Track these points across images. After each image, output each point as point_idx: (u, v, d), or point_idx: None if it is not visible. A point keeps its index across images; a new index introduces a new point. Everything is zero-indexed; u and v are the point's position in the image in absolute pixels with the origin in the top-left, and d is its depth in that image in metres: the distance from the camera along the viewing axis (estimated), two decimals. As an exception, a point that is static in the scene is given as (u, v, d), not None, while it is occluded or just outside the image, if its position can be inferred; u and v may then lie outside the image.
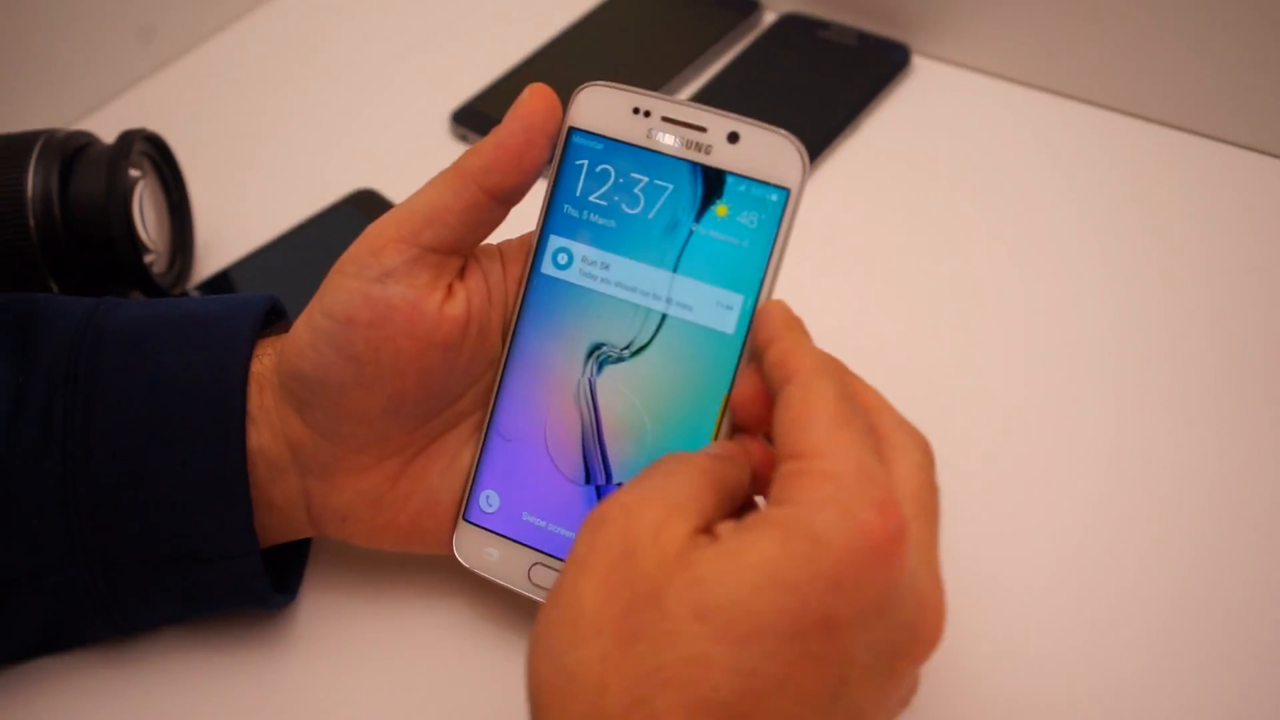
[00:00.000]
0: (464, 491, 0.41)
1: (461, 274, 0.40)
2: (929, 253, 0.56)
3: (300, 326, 0.39)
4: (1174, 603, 0.42)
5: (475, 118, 0.65)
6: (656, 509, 0.31)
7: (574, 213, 0.40)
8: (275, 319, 0.44)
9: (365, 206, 0.60)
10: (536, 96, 0.38)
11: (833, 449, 0.31)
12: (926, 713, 0.39)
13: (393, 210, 0.39)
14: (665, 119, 0.39)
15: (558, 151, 0.40)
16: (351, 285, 0.38)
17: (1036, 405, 0.49)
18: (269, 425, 0.40)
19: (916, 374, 0.51)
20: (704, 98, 0.64)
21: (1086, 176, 0.59)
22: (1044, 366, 0.50)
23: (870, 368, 0.51)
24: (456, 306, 0.39)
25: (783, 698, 0.28)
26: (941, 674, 0.41)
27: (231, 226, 0.60)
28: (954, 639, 0.42)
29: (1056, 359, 0.51)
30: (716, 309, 0.38)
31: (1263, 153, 0.58)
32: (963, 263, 0.55)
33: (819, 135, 0.61)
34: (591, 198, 0.39)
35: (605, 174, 0.39)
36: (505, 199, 0.38)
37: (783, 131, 0.37)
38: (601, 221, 0.39)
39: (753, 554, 0.30)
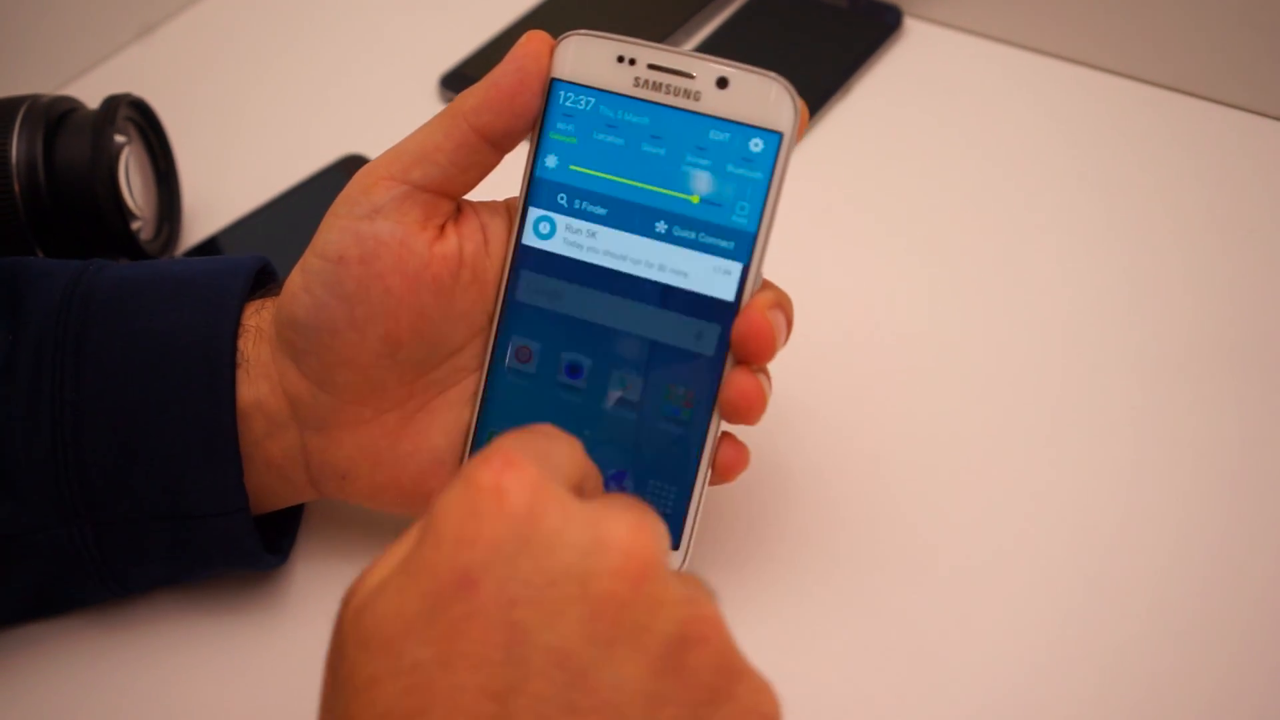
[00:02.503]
0: (464, 450, 0.41)
1: (457, 220, 0.39)
2: (921, 216, 0.56)
3: (294, 273, 0.39)
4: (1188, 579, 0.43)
5: (464, 82, 0.64)
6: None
7: (559, 166, 0.39)
8: (266, 280, 0.44)
9: (353, 172, 0.59)
10: (533, 40, 0.38)
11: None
12: (926, 713, 0.40)
13: (386, 151, 0.39)
14: (651, 66, 0.38)
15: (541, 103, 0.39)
16: (342, 224, 0.38)
17: (1031, 369, 0.49)
18: (266, 378, 0.40)
19: (910, 339, 0.51)
20: (695, 61, 0.63)
21: (1080, 139, 0.58)
22: (1039, 330, 0.50)
23: (862, 333, 0.51)
24: (447, 246, 0.38)
25: (453, 674, 0.27)
26: (939, 666, 0.41)
27: (219, 192, 0.60)
28: (946, 620, 0.42)
29: (1052, 322, 0.51)
30: (712, 271, 0.38)
31: (1260, 114, 0.58)
32: (956, 227, 0.55)
33: (810, 98, 0.60)
34: (577, 148, 0.39)
35: (591, 125, 0.38)
36: (496, 141, 0.38)
37: (772, 74, 0.37)
38: (588, 173, 0.39)
39: (399, 562, 0.29)
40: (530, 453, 0.29)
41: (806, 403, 0.47)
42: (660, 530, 0.30)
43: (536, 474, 0.28)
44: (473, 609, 0.27)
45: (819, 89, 0.61)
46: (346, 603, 0.29)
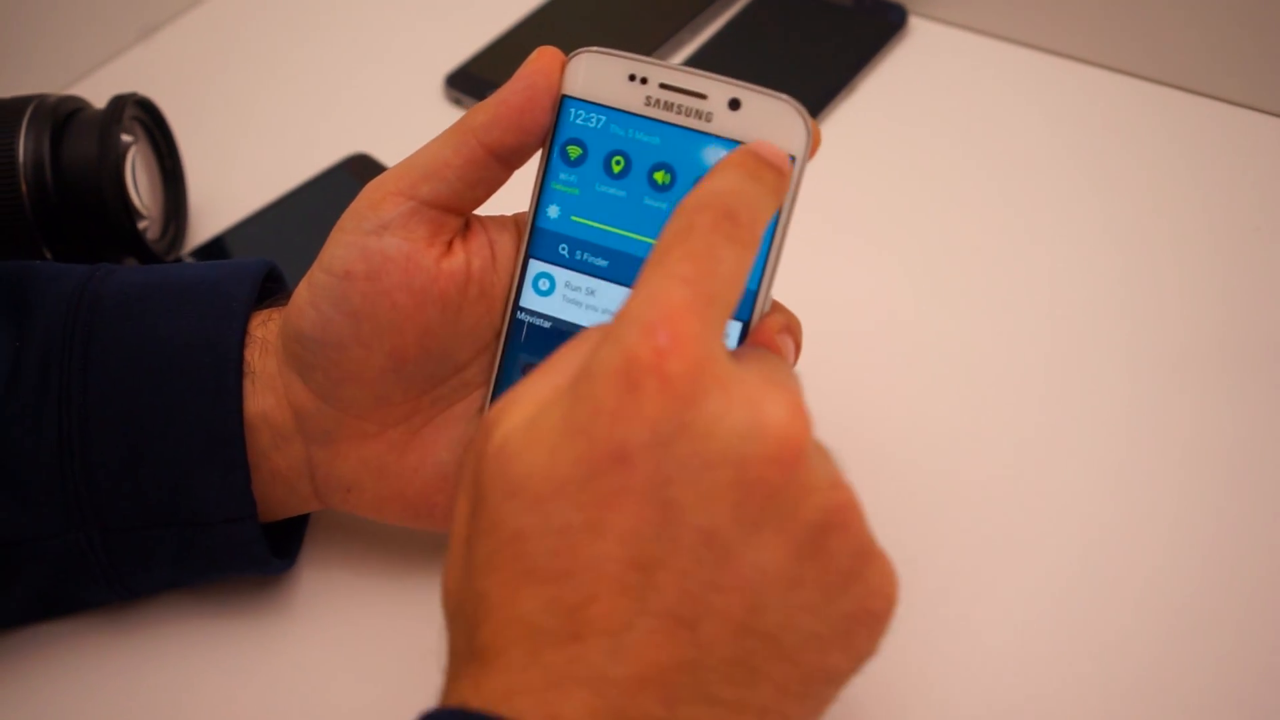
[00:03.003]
0: None
1: (465, 236, 0.39)
2: (926, 216, 0.56)
3: (301, 287, 0.39)
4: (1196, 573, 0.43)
5: (470, 81, 0.64)
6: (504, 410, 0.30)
7: (569, 182, 0.39)
8: (273, 284, 0.44)
9: (359, 171, 0.60)
10: (543, 57, 0.38)
11: (634, 291, 0.30)
12: (929, 707, 0.40)
13: (394, 166, 0.39)
14: (663, 85, 0.37)
15: (551, 120, 0.39)
16: (349, 239, 0.38)
17: (1034, 367, 0.49)
18: (272, 390, 0.40)
19: (913, 337, 0.51)
20: (700, 59, 0.63)
21: (1085, 137, 0.58)
22: (1044, 328, 0.50)
23: (864, 332, 0.51)
24: (455, 263, 0.38)
25: (602, 542, 0.27)
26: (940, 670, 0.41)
27: (225, 192, 0.60)
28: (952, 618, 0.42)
29: (1056, 321, 0.51)
30: None
31: (1264, 112, 0.58)
32: (961, 225, 0.55)
33: (815, 98, 0.60)
34: (586, 167, 0.39)
35: (601, 143, 0.38)
36: (505, 158, 0.38)
37: (785, 96, 0.36)
38: (597, 192, 0.39)
39: (548, 414, 0.29)
40: (698, 306, 0.28)
41: (815, 407, 0.47)
42: (807, 409, 0.30)
43: (699, 351, 0.28)
44: (627, 484, 0.28)
45: (824, 88, 0.61)
46: (487, 434, 0.30)
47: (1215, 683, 0.39)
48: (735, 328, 0.37)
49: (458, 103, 0.64)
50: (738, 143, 0.37)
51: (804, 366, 0.44)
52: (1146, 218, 0.54)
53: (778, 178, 0.33)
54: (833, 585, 0.29)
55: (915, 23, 0.65)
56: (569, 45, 0.39)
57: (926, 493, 0.45)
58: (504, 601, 0.28)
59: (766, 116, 0.36)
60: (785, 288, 0.39)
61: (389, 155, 0.59)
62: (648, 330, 0.28)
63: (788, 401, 0.29)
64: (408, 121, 0.63)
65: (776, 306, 0.38)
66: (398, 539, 0.44)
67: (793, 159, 0.36)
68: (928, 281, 0.53)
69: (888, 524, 0.44)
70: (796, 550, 0.29)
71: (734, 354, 0.30)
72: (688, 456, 0.28)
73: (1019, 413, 0.48)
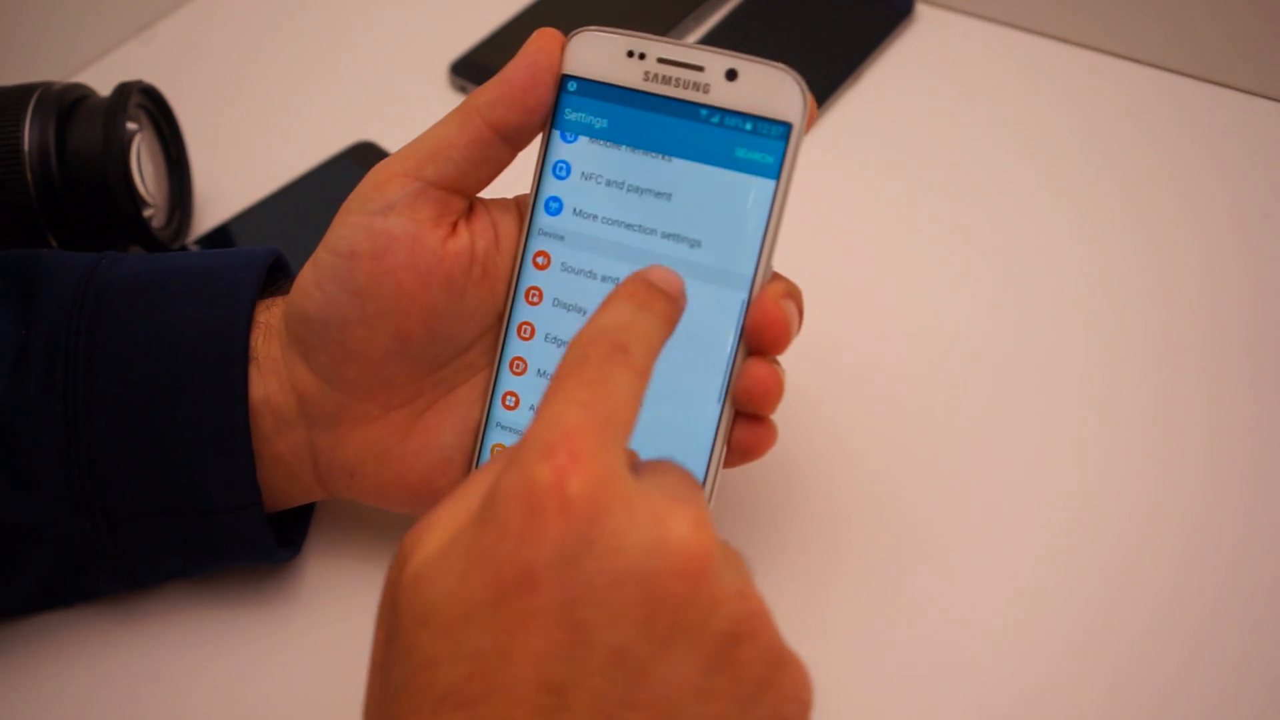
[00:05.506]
0: (474, 450, 0.41)
1: (469, 218, 0.39)
2: (933, 203, 0.55)
3: (306, 269, 0.39)
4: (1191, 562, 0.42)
5: (474, 69, 0.64)
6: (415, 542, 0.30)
7: (571, 159, 0.39)
8: (279, 273, 0.44)
9: (364, 159, 0.60)
10: (543, 37, 0.38)
11: (534, 418, 0.30)
12: (938, 703, 0.40)
13: (400, 149, 0.39)
14: (661, 60, 0.38)
15: (553, 99, 0.39)
16: (355, 220, 0.38)
17: (1044, 358, 0.49)
18: (275, 375, 0.40)
19: (921, 328, 0.50)
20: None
21: (1093, 124, 0.58)
22: (1052, 316, 0.50)
23: (872, 323, 0.51)
24: (459, 243, 0.38)
25: (515, 666, 0.27)
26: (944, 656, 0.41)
27: (230, 180, 0.60)
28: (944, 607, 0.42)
29: (1065, 309, 0.50)
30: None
31: (1273, 99, 0.58)
32: (968, 213, 0.55)
33: (821, 85, 0.60)
34: (589, 142, 0.39)
35: (602, 119, 0.39)
36: (510, 136, 0.38)
37: (781, 65, 0.37)
38: (601, 166, 0.39)
39: (458, 541, 0.29)
40: (594, 426, 0.29)
41: (816, 392, 0.47)
42: (711, 519, 0.30)
43: (598, 469, 0.28)
44: (535, 607, 0.28)
45: (830, 76, 0.61)
46: (403, 562, 0.30)
47: (1234, 677, 0.39)
48: (738, 300, 0.37)
49: (462, 90, 0.64)
50: (736, 113, 0.37)
51: (809, 354, 0.44)
52: (1155, 205, 0.54)
53: (668, 304, 0.33)
54: (746, 695, 0.29)
55: (922, 10, 0.65)
56: (573, 30, 0.39)
57: (938, 485, 0.45)
58: None
59: (763, 86, 0.37)
60: (791, 272, 0.39)
61: (394, 143, 0.59)
62: (547, 451, 0.28)
63: (691, 515, 0.29)
64: (412, 109, 0.62)
65: (776, 276, 0.38)
66: (402, 527, 0.44)
67: (790, 126, 0.37)
68: (935, 269, 0.53)
69: (904, 516, 0.44)
70: (708, 662, 0.29)
71: (637, 470, 0.30)
72: (593, 575, 0.28)
73: (1026, 402, 0.47)
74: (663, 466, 0.32)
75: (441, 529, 0.30)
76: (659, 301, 0.32)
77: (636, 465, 0.31)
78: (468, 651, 0.28)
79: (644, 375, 0.31)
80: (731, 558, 0.30)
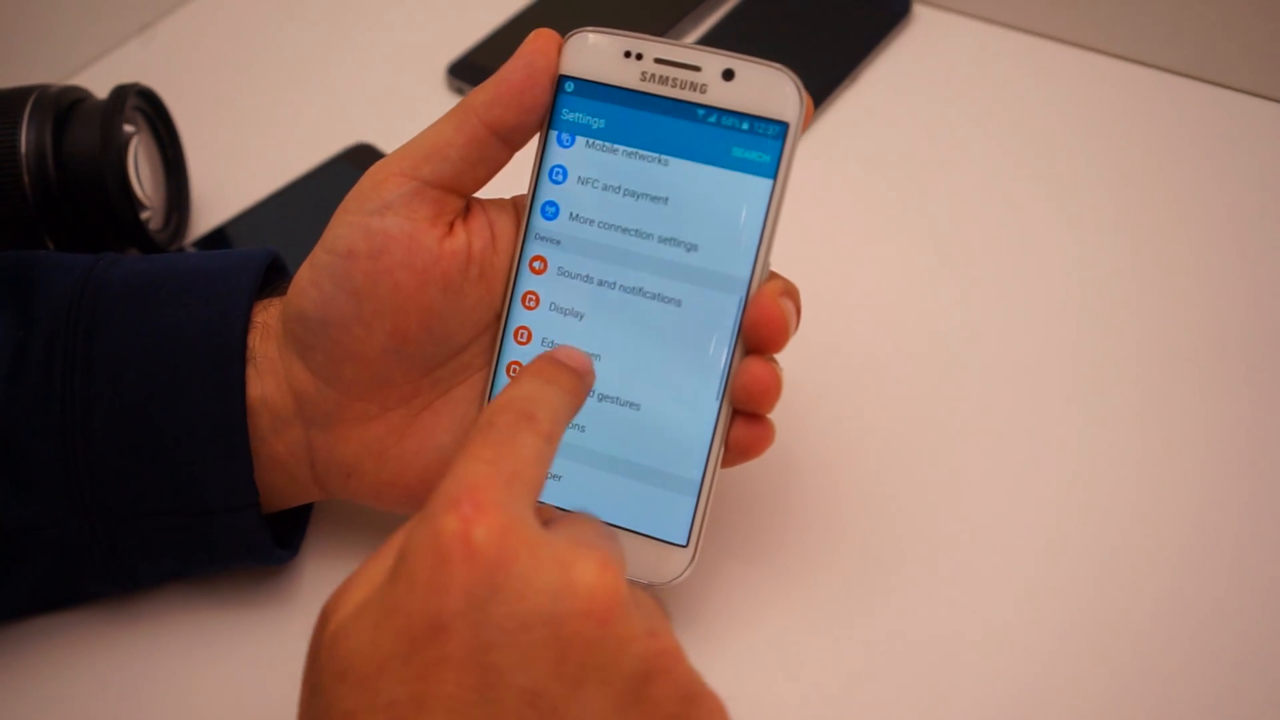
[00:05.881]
0: None
1: (466, 218, 0.39)
2: (930, 204, 0.55)
3: (303, 269, 0.39)
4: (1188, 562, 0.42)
5: (472, 71, 0.64)
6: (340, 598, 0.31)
7: (568, 162, 0.39)
8: (276, 274, 0.44)
9: (361, 161, 0.60)
10: (540, 38, 0.38)
11: (443, 478, 0.30)
12: (935, 702, 0.40)
13: (397, 148, 0.39)
14: (658, 60, 0.38)
15: (550, 99, 0.39)
16: (352, 219, 0.38)
17: (1041, 358, 0.49)
18: (273, 374, 0.40)
19: (918, 329, 0.51)
20: (703, 48, 0.63)
21: (1091, 126, 0.58)
22: (1050, 316, 0.50)
23: (869, 324, 0.51)
24: (456, 243, 0.39)
25: (429, 714, 0.28)
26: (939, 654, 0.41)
27: (227, 182, 0.60)
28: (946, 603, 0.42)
29: (1062, 309, 0.50)
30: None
31: (1271, 99, 0.58)
32: (965, 214, 0.55)
33: (818, 86, 0.60)
34: (586, 144, 0.39)
35: (600, 119, 0.39)
36: (507, 136, 0.38)
37: (777, 65, 0.37)
38: (597, 170, 0.39)
39: (373, 597, 0.29)
40: (499, 481, 0.29)
41: (813, 391, 0.47)
42: (622, 563, 0.30)
43: (503, 518, 0.29)
44: (446, 654, 0.28)
45: (826, 77, 0.61)
46: (324, 623, 0.30)
47: (1232, 677, 0.39)
48: (735, 298, 0.38)
49: (460, 92, 0.64)
50: (732, 112, 0.37)
51: (807, 354, 0.44)
52: (1153, 205, 0.54)
53: (573, 379, 0.33)
54: None
55: (919, 10, 0.65)
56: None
57: (936, 484, 0.45)
58: None
59: (760, 86, 0.37)
60: (789, 273, 0.39)
61: (391, 145, 0.59)
62: (453, 503, 0.29)
63: (597, 558, 0.29)
64: (410, 111, 0.62)
65: (774, 274, 0.39)
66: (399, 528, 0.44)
67: (787, 126, 0.37)
68: (932, 268, 0.53)
69: (902, 516, 0.44)
70: (620, 701, 0.29)
71: (545, 523, 0.31)
72: (503, 619, 0.28)
73: (1023, 401, 0.47)
74: (574, 517, 0.32)
75: (359, 588, 0.30)
76: (565, 376, 0.33)
77: (554, 520, 0.32)
78: (383, 703, 0.28)
79: (551, 441, 0.31)
80: (642, 599, 0.31)
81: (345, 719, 0.28)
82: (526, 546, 0.29)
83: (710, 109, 0.38)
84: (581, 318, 0.39)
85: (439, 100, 0.64)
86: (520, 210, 0.40)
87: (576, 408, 0.34)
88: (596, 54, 0.38)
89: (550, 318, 0.40)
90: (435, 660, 0.28)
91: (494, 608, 0.28)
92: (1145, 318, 0.50)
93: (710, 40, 0.64)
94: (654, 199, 0.38)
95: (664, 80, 0.38)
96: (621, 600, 0.29)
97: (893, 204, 0.56)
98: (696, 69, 0.38)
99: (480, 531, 0.28)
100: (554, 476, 0.40)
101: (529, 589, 0.28)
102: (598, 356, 0.39)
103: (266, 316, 0.40)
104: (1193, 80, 0.59)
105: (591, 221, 0.39)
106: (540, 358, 0.34)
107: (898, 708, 0.39)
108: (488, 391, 0.40)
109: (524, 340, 0.40)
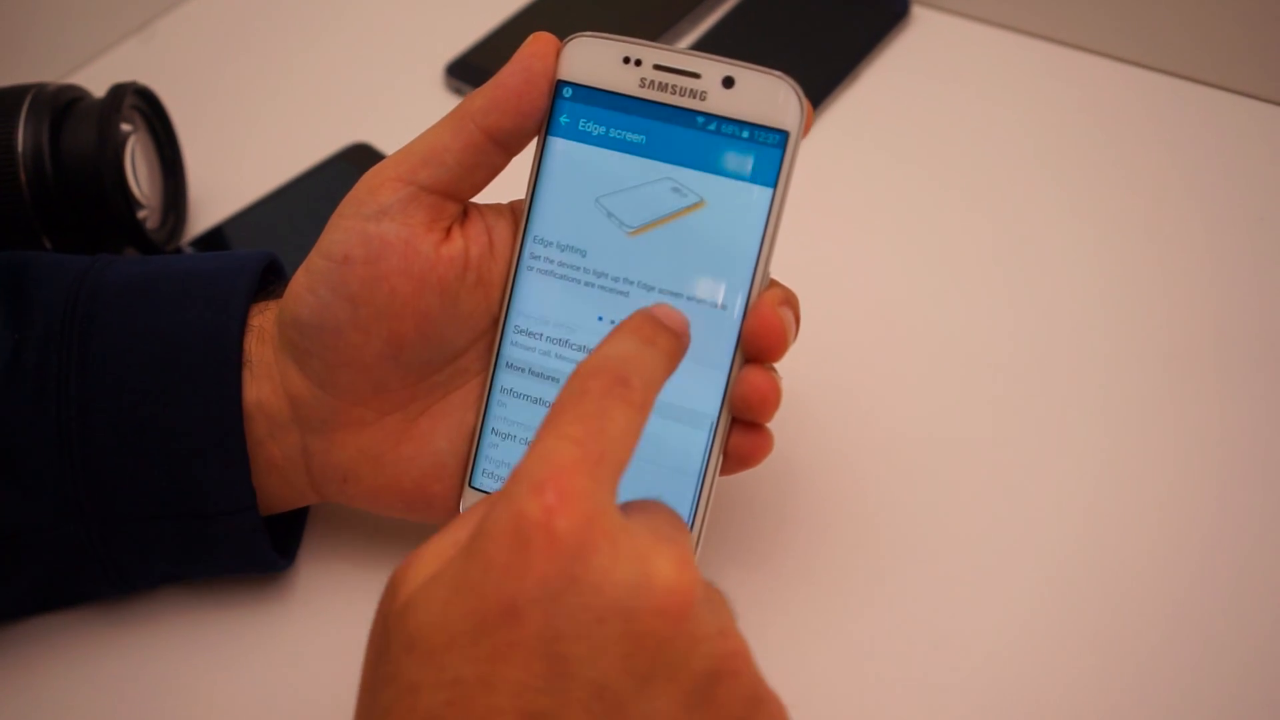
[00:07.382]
0: (469, 455, 0.40)
1: (463, 223, 0.39)
2: (927, 204, 0.55)
3: (299, 274, 0.39)
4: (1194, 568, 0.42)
5: (470, 71, 0.64)
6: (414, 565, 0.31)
7: (565, 166, 0.39)
8: (273, 276, 0.44)
9: (359, 160, 0.59)
10: (538, 42, 0.38)
11: (527, 452, 0.30)
12: (938, 702, 0.40)
13: (394, 153, 0.39)
14: (657, 67, 0.38)
15: (548, 104, 0.39)
16: (348, 225, 0.38)
17: (1043, 360, 0.49)
18: (269, 379, 0.40)
19: (919, 330, 0.50)
20: (701, 48, 0.63)
21: (1091, 128, 0.58)
22: (1046, 318, 0.50)
23: (870, 325, 0.51)
24: (453, 249, 0.38)
25: (493, 695, 0.28)
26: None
27: (225, 182, 0.60)
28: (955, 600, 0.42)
29: (1059, 311, 0.50)
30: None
31: (1270, 101, 0.58)
32: (962, 214, 0.55)
33: (817, 87, 0.60)
34: (582, 151, 0.39)
35: (598, 125, 0.38)
36: (504, 142, 0.38)
37: (777, 73, 0.37)
38: (595, 175, 0.39)
39: (446, 571, 0.29)
40: (586, 464, 0.29)
41: (812, 399, 0.47)
42: (694, 561, 0.30)
43: (587, 507, 0.29)
44: (517, 638, 0.28)
45: (825, 78, 0.61)
46: (394, 592, 0.30)
47: (1210, 680, 0.39)
48: (734, 309, 0.37)
49: (458, 92, 0.64)
50: (732, 120, 0.37)
51: (804, 354, 0.44)
52: (1151, 207, 0.54)
53: (672, 341, 0.33)
54: None
55: (918, 11, 0.65)
56: (569, 34, 0.39)
57: (939, 486, 0.45)
58: None
59: (760, 93, 0.37)
60: (787, 276, 0.39)
61: (389, 145, 0.59)
62: (537, 488, 0.28)
63: (675, 555, 0.29)
64: (408, 111, 0.63)
65: (773, 283, 0.38)
66: (395, 532, 0.44)
67: (787, 134, 0.37)
68: (928, 270, 0.53)
69: (905, 517, 0.44)
70: (687, 700, 0.29)
71: (624, 509, 0.31)
72: (577, 610, 0.28)
73: (1023, 406, 0.47)
74: (651, 506, 0.32)
75: (431, 558, 0.30)
76: (664, 337, 0.33)
77: (631, 507, 0.32)
78: (449, 678, 0.28)
79: (643, 411, 0.31)
80: (714, 597, 0.31)
81: (410, 689, 0.28)
82: (607, 539, 0.29)
83: (710, 117, 0.37)
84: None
85: (437, 100, 0.64)
86: (518, 213, 0.40)
87: (671, 372, 0.33)
88: (595, 59, 0.38)
89: None
90: (505, 644, 0.28)
91: (569, 599, 0.28)
92: (1144, 319, 0.50)
93: (709, 40, 0.64)
94: (651, 207, 0.38)
95: (663, 87, 0.38)
96: (696, 599, 0.29)
97: (892, 205, 0.56)
98: (696, 76, 0.37)
99: (563, 522, 0.28)
100: None
101: (606, 583, 0.28)
102: None
103: (263, 320, 0.40)
104: (1191, 82, 0.59)
105: (588, 226, 0.39)
106: (639, 314, 0.33)
107: (899, 711, 0.39)
108: (484, 398, 0.40)
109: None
